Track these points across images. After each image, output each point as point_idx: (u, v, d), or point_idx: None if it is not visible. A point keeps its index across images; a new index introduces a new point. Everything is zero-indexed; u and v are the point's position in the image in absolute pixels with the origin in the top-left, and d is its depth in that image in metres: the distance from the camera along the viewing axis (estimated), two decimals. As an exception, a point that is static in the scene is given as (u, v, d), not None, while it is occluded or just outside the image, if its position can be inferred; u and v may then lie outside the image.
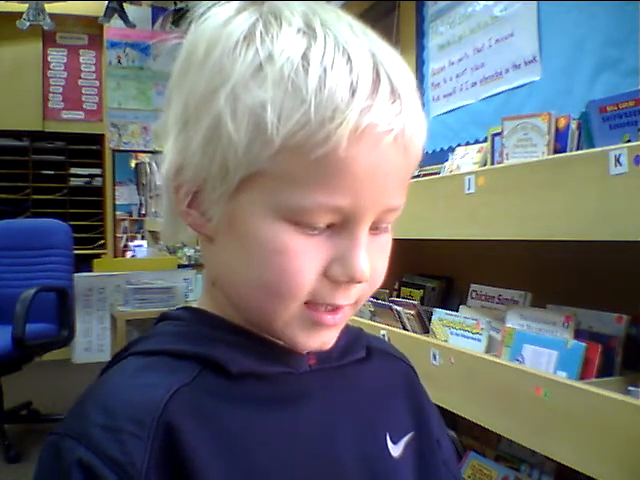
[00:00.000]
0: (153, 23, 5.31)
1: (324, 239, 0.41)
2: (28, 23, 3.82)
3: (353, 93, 0.38)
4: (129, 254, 5.18)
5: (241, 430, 0.42)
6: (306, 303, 0.42)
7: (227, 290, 0.46)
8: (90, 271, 4.36)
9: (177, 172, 0.43)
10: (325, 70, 0.38)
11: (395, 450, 0.50)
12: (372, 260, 0.43)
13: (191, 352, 0.44)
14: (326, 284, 0.42)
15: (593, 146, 1.21)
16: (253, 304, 0.43)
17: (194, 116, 0.41)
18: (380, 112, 0.38)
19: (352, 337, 0.53)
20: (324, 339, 0.45)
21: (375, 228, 0.44)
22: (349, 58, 0.39)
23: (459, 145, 2.00)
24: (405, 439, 0.51)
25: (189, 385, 0.42)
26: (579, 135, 1.31)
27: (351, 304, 0.45)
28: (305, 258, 0.41)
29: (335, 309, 0.43)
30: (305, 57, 0.38)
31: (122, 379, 0.43)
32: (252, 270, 0.42)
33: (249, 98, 0.38)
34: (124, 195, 5.68)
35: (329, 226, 0.41)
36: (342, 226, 0.41)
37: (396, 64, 0.41)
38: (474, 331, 1.44)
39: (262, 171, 0.39)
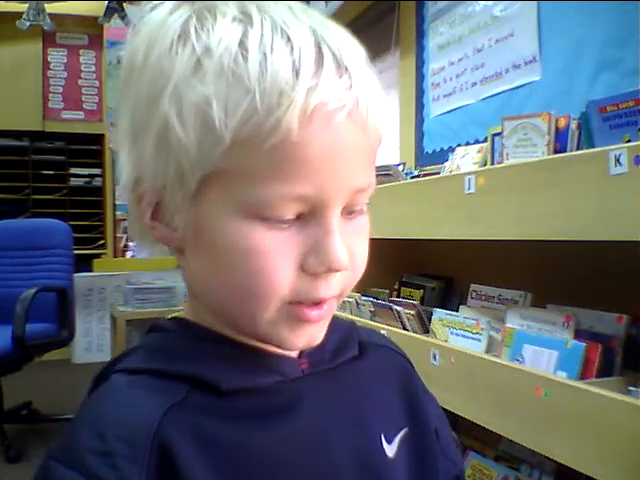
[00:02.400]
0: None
1: (295, 231, 0.39)
2: (28, 23, 3.82)
3: (297, 74, 0.36)
4: (129, 254, 5.18)
5: (236, 446, 0.41)
6: (289, 302, 0.41)
7: (206, 300, 0.44)
8: (90, 271, 4.36)
9: (135, 184, 0.42)
10: (265, 54, 0.36)
11: (390, 450, 0.49)
12: (350, 245, 0.41)
13: (179, 373, 0.42)
14: (305, 279, 0.40)
15: (593, 146, 1.21)
16: (233, 309, 0.42)
17: (142, 125, 0.40)
18: (327, 89, 0.37)
19: (344, 335, 0.52)
20: (312, 335, 0.43)
21: (349, 212, 0.42)
22: (288, 39, 0.37)
23: (459, 145, 2.00)
24: (399, 436, 0.50)
25: (180, 404, 0.40)
26: (579, 135, 1.31)
27: (335, 295, 0.43)
28: (278, 254, 0.39)
29: (319, 303, 0.42)
30: (242, 44, 0.37)
31: (111, 398, 0.42)
32: (226, 275, 0.40)
33: (192, 96, 0.37)
34: (124, 195, 5.67)
35: (298, 217, 0.39)
36: (311, 215, 0.39)
37: (341, 39, 0.39)
38: (474, 331, 1.44)
39: (218, 170, 0.38)
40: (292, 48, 0.37)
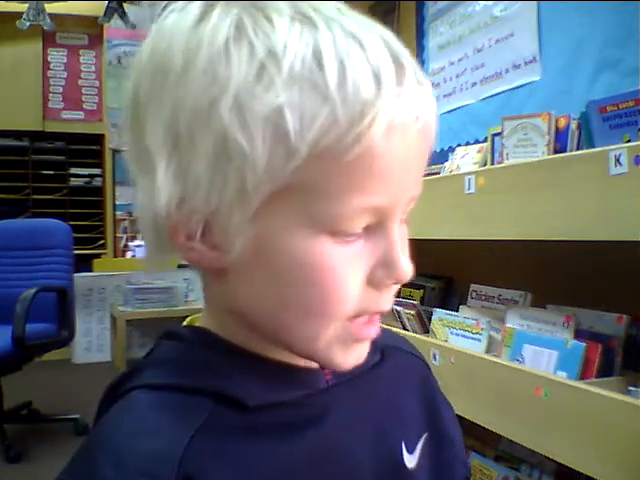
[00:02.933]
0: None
1: (362, 245, 0.38)
2: (28, 23, 3.82)
3: (378, 84, 0.34)
4: (129, 254, 5.18)
5: (262, 464, 0.39)
6: (348, 319, 0.39)
7: (254, 319, 0.41)
8: (90, 271, 4.36)
9: (178, 206, 0.36)
10: (342, 61, 0.34)
11: (410, 460, 0.48)
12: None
13: (204, 388, 0.40)
14: (369, 292, 0.39)
15: (593, 146, 1.21)
16: (291, 329, 0.39)
17: (187, 137, 0.35)
18: (409, 101, 0.35)
19: None
20: (360, 354, 0.42)
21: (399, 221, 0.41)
22: (361, 44, 0.35)
23: (459, 145, 2.00)
24: (420, 444, 0.50)
25: (204, 426, 0.38)
26: (579, 135, 1.31)
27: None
28: (348, 270, 0.37)
29: (371, 321, 0.40)
30: (315, 48, 0.34)
31: (131, 422, 0.39)
32: (291, 294, 0.38)
33: (259, 106, 0.33)
34: (124, 195, 5.67)
35: (364, 229, 0.38)
36: (377, 226, 0.38)
37: (403, 46, 0.37)
38: (474, 331, 1.44)
39: (288, 185, 0.35)
40: (367, 55, 0.34)
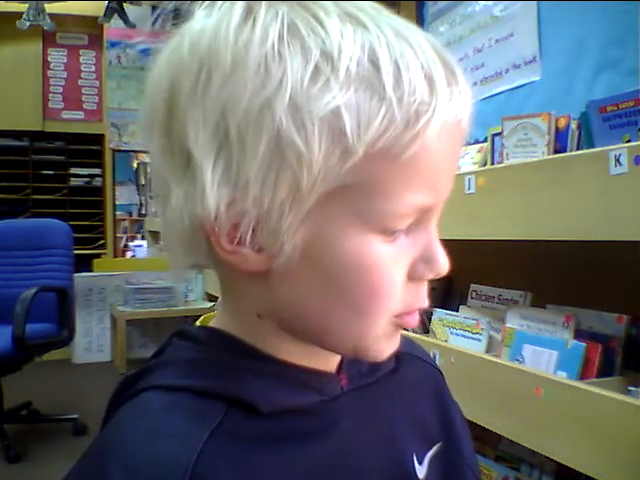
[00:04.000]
0: (153, 23, 5.30)
1: (404, 242, 0.38)
2: (28, 23, 3.82)
3: (432, 85, 0.35)
4: (129, 254, 5.18)
5: (273, 472, 0.39)
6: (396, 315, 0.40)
7: (288, 323, 0.41)
8: (90, 271, 4.36)
9: (227, 207, 0.35)
10: (396, 62, 0.34)
11: (421, 471, 0.47)
12: None
13: (218, 391, 0.39)
14: (410, 288, 0.39)
15: (593, 146, 1.21)
16: (342, 328, 0.39)
17: (237, 137, 0.34)
18: (458, 102, 0.36)
19: None
20: (397, 342, 0.43)
21: None
22: (411, 46, 0.35)
23: (459, 145, 2.00)
24: (430, 453, 0.49)
25: (216, 431, 0.38)
26: (579, 135, 1.31)
27: None
28: (394, 267, 0.38)
29: (413, 312, 0.41)
30: (370, 49, 0.34)
31: (144, 424, 0.38)
32: (339, 296, 0.38)
33: (315, 107, 0.33)
34: (124, 195, 5.68)
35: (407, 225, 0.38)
36: (418, 222, 0.38)
37: (441, 46, 0.38)
38: (474, 331, 1.44)
39: (342, 185, 0.35)
40: (418, 56, 0.35)
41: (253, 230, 0.36)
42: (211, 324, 0.45)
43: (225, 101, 0.35)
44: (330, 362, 0.45)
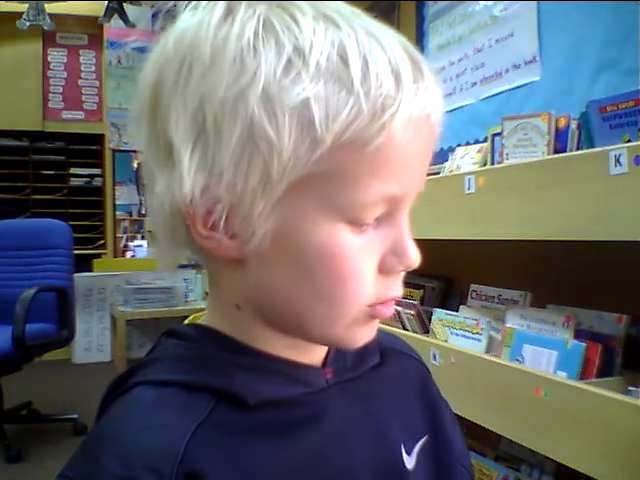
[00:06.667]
0: (153, 23, 5.31)
1: (373, 233, 0.40)
2: (28, 23, 3.82)
3: (398, 80, 0.36)
4: (129, 254, 5.18)
5: (263, 462, 0.40)
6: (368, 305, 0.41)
7: (266, 311, 0.42)
8: (90, 271, 4.36)
9: (202, 193, 0.37)
10: (365, 58, 0.36)
11: (409, 461, 0.48)
12: None
13: (206, 384, 0.41)
14: (381, 279, 0.41)
15: (593, 146, 1.21)
16: (309, 316, 0.40)
17: (213, 126, 0.36)
18: (424, 98, 0.38)
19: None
20: (373, 331, 0.44)
21: None
22: (381, 44, 0.37)
23: (459, 145, 2.00)
24: (418, 445, 0.50)
25: (205, 422, 0.39)
26: (579, 135, 1.31)
27: None
28: (364, 258, 0.39)
29: (387, 304, 0.42)
30: (340, 45, 0.36)
31: (136, 417, 0.40)
32: (309, 282, 0.39)
33: (287, 98, 0.35)
34: (124, 195, 5.68)
35: (375, 219, 0.40)
36: (386, 216, 0.40)
37: (415, 48, 0.40)
38: (474, 331, 1.44)
39: (310, 173, 0.36)
40: (387, 53, 0.37)
41: (227, 216, 0.38)
42: (199, 321, 0.47)
43: (203, 92, 0.37)
44: (315, 356, 0.47)
